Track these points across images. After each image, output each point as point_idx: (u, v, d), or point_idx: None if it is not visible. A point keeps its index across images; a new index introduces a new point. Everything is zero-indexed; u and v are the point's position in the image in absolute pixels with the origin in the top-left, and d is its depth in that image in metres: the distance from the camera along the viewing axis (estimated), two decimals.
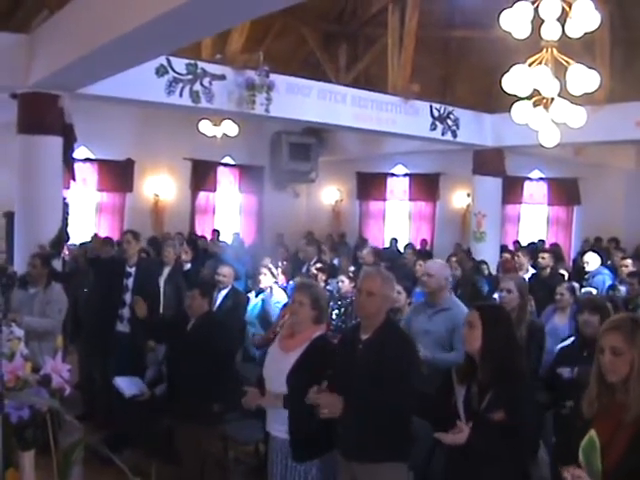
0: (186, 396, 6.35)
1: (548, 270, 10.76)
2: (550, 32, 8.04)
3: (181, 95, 11.61)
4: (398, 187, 22.25)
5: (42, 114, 10.51)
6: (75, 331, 9.26)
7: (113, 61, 8.80)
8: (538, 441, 4.39)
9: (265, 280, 9.30)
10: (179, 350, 6.72)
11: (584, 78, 8.11)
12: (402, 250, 17.41)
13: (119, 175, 18.34)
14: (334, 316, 8.65)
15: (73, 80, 9.97)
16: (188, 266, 10.80)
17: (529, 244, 17.58)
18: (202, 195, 20.21)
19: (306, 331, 5.26)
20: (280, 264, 10.71)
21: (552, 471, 3.74)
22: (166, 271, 9.86)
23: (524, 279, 7.69)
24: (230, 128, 15.79)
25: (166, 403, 7.01)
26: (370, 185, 22.43)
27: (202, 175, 19.95)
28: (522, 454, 4.24)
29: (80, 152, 15.95)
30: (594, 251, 11.97)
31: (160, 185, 19.09)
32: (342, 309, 8.67)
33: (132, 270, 8.79)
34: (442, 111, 15.46)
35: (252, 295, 9.58)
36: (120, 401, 7.62)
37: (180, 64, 11.54)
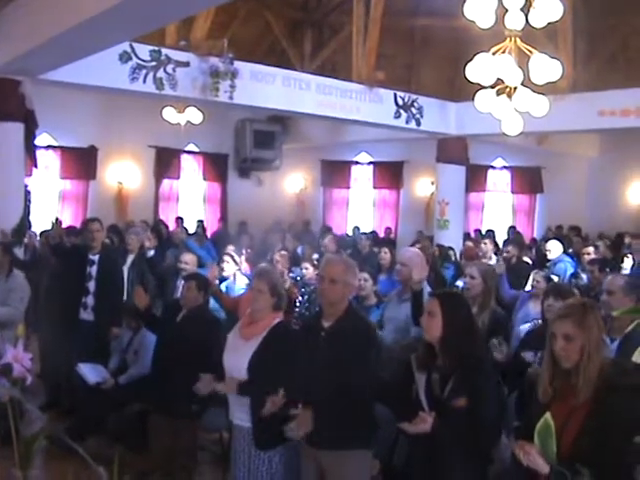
0: (168, 387, 6.36)
1: (514, 259, 10.83)
2: (514, 22, 8.11)
3: (145, 82, 11.53)
4: (362, 175, 22.26)
5: (3, 100, 10.38)
6: (37, 319, 9.20)
7: (76, 46, 8.71)
8: (500, 426, 4.42)
9: (228, 268, 9.28)
10: (166, 340, 6.70)
11: (547, 67, 8.18)
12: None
13: (82, 162, 18.13)
14: (297, 303, 8.65)
15: (35, 65, 9.86)
16: (152, 253, 10.74)
17: (487, 231, 17.65)
18: (166, 183, 20.06)
19: (266, 318, 5.26)
20: (244, 252, 10.68)
21: (513, 455, 3.78)
22: (130, 259, 9.81)
23: (488, 266, 7.73)
24: (194, 115, 15.73)
25: (145, 390, 7.01)
26: (334, 173, 22.41)
27: (166, 162, 19.80)
28: (485, 439, 4.27)
29: (42, 139, 15.83)
30: (556, 239, 12.06)
31: (124, 172, 18.91)
32: (305, 296, 8.67)
33: (95, 258, 8.74)
34: (406, 99, 15.48)
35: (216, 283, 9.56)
36: (84, 388, 7.59)
37: (144, 50, 11.45)
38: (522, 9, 8.04)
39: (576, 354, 3.53)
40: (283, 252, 10.29)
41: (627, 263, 10.54)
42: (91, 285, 8.64)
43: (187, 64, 12.02)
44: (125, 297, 8.99)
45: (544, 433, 1.64)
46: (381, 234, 19.89)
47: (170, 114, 15.71)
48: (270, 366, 4.94)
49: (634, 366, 2.01)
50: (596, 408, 3.43)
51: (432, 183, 19.34)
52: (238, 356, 5.21)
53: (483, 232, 18.04)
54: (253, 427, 5.10)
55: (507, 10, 8.08)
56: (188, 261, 8.87)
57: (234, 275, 9.19)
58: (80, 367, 7.63)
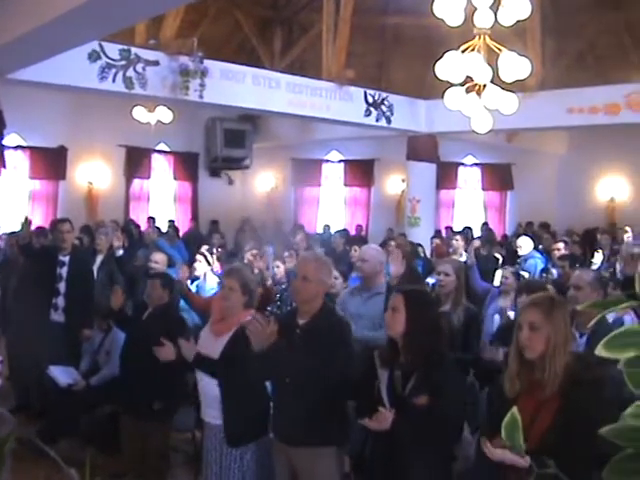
0: (136, 388, 6.32)
1: (482, 251, 10.88)
2: (482, 20, 8.15)
3: (114, 81, 11.45)
4: (333, 173, 22.28)
5: None
6: (5, 321, 9.12)
7: (44, 45, 8.63)
8: (462, 424, 4.42)
9: (200, 267, 9.25)
10: (132, 339, 6.68)
11: (516, 65, 8.23)
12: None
13: (52, 162, 18.01)
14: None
15: (2, 65, 9.75)
16: (120, 252, 10.64)
17: (464, 228, 17.73)
18: (136, 182, 19.97)
19: (236, 315, 5.26)
20: (215, 251, 10.66)
21: (476, 451, 3.80)
22: (99, 259, 9.76)
23: (461, 262, 7.77)
24: (164, 114, 15.68)
25: (112, 391, 6.97)
26: (305, 171, 22.37)
27: (136, 162, 19.72)
28: (447, 437, 4.27)
29: (11, 139, 15.73)
30: (527, 235, 12.13)
31: (94, 172, 18.80)
32: (277, 295, 8.65)
33: (66, 259, 8.69)
34: (376, 97, 15.50)
35: (187, 283, 9.52)
36: (55, 391, 7.54)
37: (113, 49, 11.36)
38: (491, 7, 8.09)
39: (541, 345, 3.55)
40: (254, 251, 10.26)
41: (597, 258, 10.63)
42: (61, 286, 8.57)
43: (157, 63, 11.96)
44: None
45: (511, 427, 1.65)
46: (352, 232, 19.88)
47: (140, 113, 15.65)
48: (240, 362, 4.94)
49: (598, 360, 2.03)
50: (564, 403, 3.46)
51: (403, 181, 19.38)
52: (209, 352, 5.23)
53: (455, 229, 18.10)
54: (224, 424, 5.10)
55: (476, 8, 8.13)
56: (158, 260, 8.82)
57: (204, 274, 9.16)
58: (51, 369, 7.58)
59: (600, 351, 1.45)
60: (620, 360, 1.47)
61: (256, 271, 9.31)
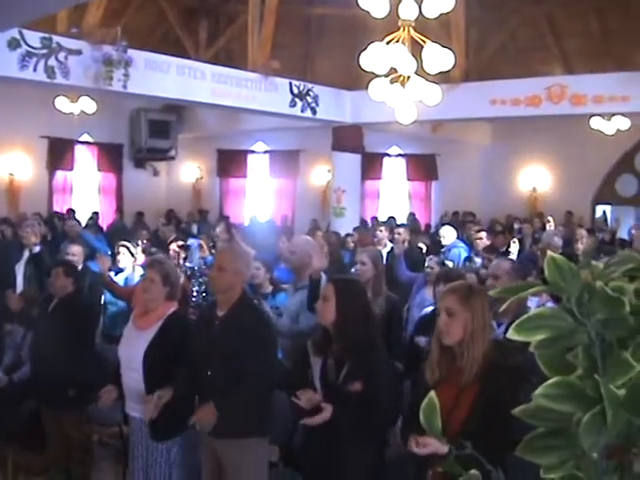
0: (48, 379, 6.22)
1: (406, 244, 10.93)
2: (407, 12, 8.20)
3: (35, 70, 11.22)
4: (258, 164, 22.24)
5: None
6: None
7: None
8: (397, 411, 4.49)
9: (124, 259, 9.16)
10: (40, 331, 6.58)
11: (439, 57, 8.30)
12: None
13: None
14: (194, 293, 8.61)
15: None
16: (37, 249, 10.35)
17: (388, 218, 17.86)
18: (59, 174, 19.69)
19: (159, 308, 5.24)
20: (139, 243, 10.55)
21: (402, 438, 3.85)
22: (26, 254, 9.58)
23: (378, 251, 7.79)
24: (88, 105, 15.47)
25: (30, 386, 6.87)
26: (230, 162, 22.32)
27: (59, 153, 19.43)
28: (380, 423, 4.33)
29: None
30: (450, 225, 12.26)
31: (15, 164, 18.45)
32: (202, 286, 8.63)
33: None
34: (302, 88, 15.50)
35: (112, 274, 9.43)
36: None
37: (34, 37, 11.12)
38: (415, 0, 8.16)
39: (458, 331, 3.62)
40: (180, 242, 10.20)
41: (513, 248, 10.78)
42: None
43: (79, 52, 11.75)
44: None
45: (429, 412, 1.68)
46: (278, 223, 19.87)
47: (63, 103, 15.42)
48: (166, 356, 4.92)
49: (515, 347, 2.07)
50: (483, 389, 3.54)
51: (329, 171, 19.44)
52: (133, 347, 5.18)
53: (380, 219, 18.22)
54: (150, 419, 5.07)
55: (400, 0, 8.19)
56: (75, 252, 8.70)
57: (133, 266, 9.08)
58: None
59: (512, 334, 1.49)
60: (531, 343, 1.52)
61: (181, 262, 9.28)
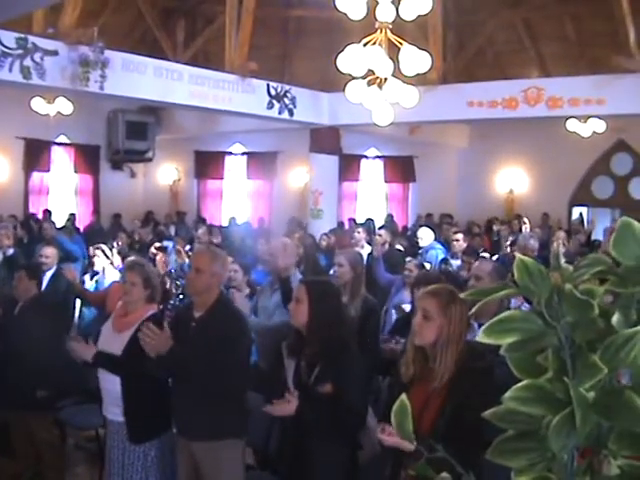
0: (15, 383, 6.17)
1: (386, 246, 10.94)
2: (384, 14, 8.21)
3: (10, 70, 11.13)
4: (236, 166, 22.20)
5: None
6: None
7: None
8: (366, 411, 4.48)
9: (99, 262, 9.13)
10: (6, 335, 6.53)
11: (416, 59, 8.31)
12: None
13: None
14: (172, 295, 8.60)
15: None
16: (11, 251, 10.29)
17: (366, 220, 17.90)
18: (36, 175, 19.56)
19: (139, 310, 5.24)
20: (115, 245, 10.52)
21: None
22: (0, 256, 9.53)
23: (357, 253, 7.79)
24: (64, 106, 15.41)
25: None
26: (208, 164, 22.28)
27: (35, 154, 19.30)
28: (351, 424, 4.32)
29: None
30: (427, 227, 12.29)
31: None
32: (180, 288, 8.61)
33: None
34: (279, 90, 15.48)
35: (87, 277, 9.39)
36: None
37: (9, 38, 11.03)
38: (393, 2, 8.17)
39: (431, 334, 3.62)
40: (157, 244, 10.19)
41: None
42: None
43: (56, 53, 11.67)
44: None
45: (400, 413, 1.68)
46: (255, 225, 19.87)
47: (39, 104, 15.35)
48: (143, 357, 4.91)
49: (487, 348, 2.08)
50: (452, 391, 3.55)
51: (307, 173, 19.45)
52: (110, 347, 5.17)
53: (358, 221, 18.26)
54: (126, 420, 5.05)
55: (378, 2, 8.20)
56: (48, 254, 8.67)
57: (103, 269, 9.03)
58: None
59: (481, 337, 1.49)
60: (502, 346, 1.52)
61: (160, 265, 9.27)
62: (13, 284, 6.72)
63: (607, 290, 1.55)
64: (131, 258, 6.80)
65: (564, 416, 1.45)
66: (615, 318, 1.51)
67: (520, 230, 14.67)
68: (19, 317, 6.49)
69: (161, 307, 6.23)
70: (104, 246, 9.44)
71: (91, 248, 9.50)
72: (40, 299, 6.71)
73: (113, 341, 5.20)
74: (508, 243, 12.61)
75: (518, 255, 1.59)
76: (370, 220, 17.57)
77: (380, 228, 13.43)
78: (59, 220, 16.80)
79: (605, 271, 1.54)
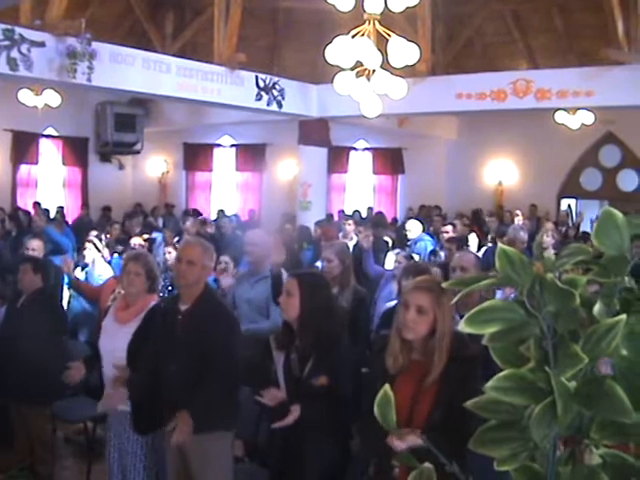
0: (16, 375, 6.19)
1: (371, 238, 10.93)
2: (373, 5, 8.20)
3: None
4: (225, 158, 22.18)
5: None
6: None
7: None
8: (359, 402, 4.50)
9: (89, 254, 9.11)
10: (8, 327, 6.53)
11: (405, 51, 8.31)
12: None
13: None
14: (160, 287, 8.58)
15: None
16: None
17: (354, 212, 17.91)
18: (24, 168, 19.44)
19: (141, 301, 5.29)
20: (104, 237, 10.49)
21: (357, 429, 3.87)
22: None
23: (344, 245, 7.79)
24: (52, 98, 15.32)
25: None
26: (197, 156, 22.24)
27: (23, 147, 19.20)
28: (345, 416, 4.33)
29: None
30: (416, 218, 12.31)
31: None
32: (168, 280, 8.60)
33: None
34: (268, 81, 15.44)
35: (78, 270, 9.37)
36: None
37: None
38: None
39: (424, 328, 3.62)
40: (145, 235, 10.17)
41: (472, 240, 10.85)
42: None
43: (43, 44, 11.59)
44: None
45: (383, 404, 1.68)
46: (245, 217, 19.85)
47: (26, 96, 15.25)
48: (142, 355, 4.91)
49: (470, 338, 2.08)
50: (445, 381, 3.54)
51: (297, 165, 19.43)
52: (115, 340, 5.16)
53: (347, 213, 18.28)
54: (132, 412, 5.01)
55: None
56: (35, 247, 8.64)
57: (93, 261, 9.02)
58: None
59: (463, 327, 1.49)
60: (484, 336, 1.52)
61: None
62: (18, 277, 6.70)
63: (590, 280, 1.56)
64: (134, 250, 6.80)
65: (545, 405, 1.46)
66: (597, 308, 1.51)
67: (512, 222, 14.68)
68: (21, 310, 6.52)
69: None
70: (95, 239, 9.44)
71: (87, 240, 9.47)
72: (44, 292, 6.70)
73: (117, 334, 5.20)
74: (493, 235, 12.63)
75: (500, 244, 1.59)
76: (357, 212, 17.59)
77: (348, 218, 13.43)
78: (49, 212, 16.75)
79: (587, 261, 1.54)
